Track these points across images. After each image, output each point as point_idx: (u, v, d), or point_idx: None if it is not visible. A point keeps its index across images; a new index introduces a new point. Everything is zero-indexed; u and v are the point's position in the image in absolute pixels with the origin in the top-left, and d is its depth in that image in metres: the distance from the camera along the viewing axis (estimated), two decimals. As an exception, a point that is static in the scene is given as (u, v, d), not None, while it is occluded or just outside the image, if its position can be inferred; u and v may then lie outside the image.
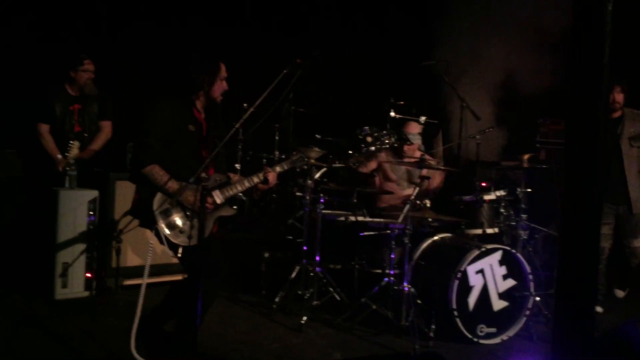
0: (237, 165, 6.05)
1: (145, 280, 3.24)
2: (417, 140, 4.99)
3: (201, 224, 2.79)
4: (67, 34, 5.88)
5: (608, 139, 4.70)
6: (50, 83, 5.15)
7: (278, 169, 3.54)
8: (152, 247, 3.28)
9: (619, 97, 4.81)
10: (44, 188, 4.66)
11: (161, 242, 3.24)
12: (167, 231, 3.19)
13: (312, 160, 4.71)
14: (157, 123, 3.27)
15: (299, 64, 3.16)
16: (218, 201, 3.34)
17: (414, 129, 5.06)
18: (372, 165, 5.03)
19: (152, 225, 3.21)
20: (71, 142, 4.76)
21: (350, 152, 5.73)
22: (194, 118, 3.38)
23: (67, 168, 4.66)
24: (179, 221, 3.22)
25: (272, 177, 3.46)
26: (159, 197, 3.19)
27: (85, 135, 5.07)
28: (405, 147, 4.97)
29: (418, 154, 4.95)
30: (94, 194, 4.65)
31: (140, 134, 3.32)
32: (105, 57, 6.03)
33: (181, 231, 3.19)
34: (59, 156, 4.82)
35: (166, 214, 3.21)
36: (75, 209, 4.55)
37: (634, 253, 4.91)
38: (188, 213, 3.22)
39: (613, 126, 4.81)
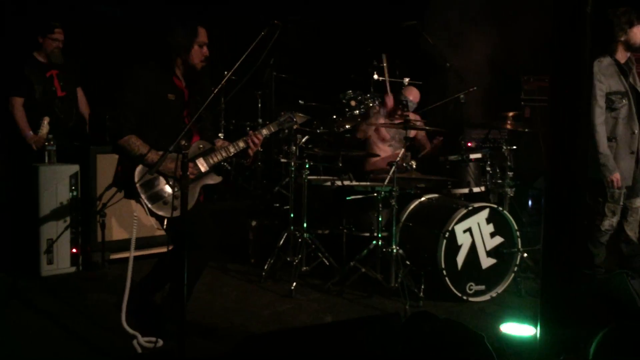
0: (221, 135, 5.98)
1: (132, 253, 3.21)
2: (412, 108, 4.92)
3: (183, 193, 2.74)
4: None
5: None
6: (17, 52, 4.98)
7: (265, 131, 3.44)
8: (137, 220, 3.24)
9: None
10: (23, 164, 4.57)
11: (147, 214, 3.20)
12: (149, 204, 3.13)
13: (296, 126, 4.66)
14: (132, 92, 3.16)
15: (277, 25, 3.07)
16: (202, 169, 3.27)
17: (413, 96, 4.97)
18: (370, 129, 4.94)
19: (136, 197, 3.16)
20: (42, 120, 4.64)
21: (334, 117, 5.69)
22: (174, 86, 3.28)
23: (47, 143, 4.56)
24: (162, 192, 3.16)
25: (257, 140, 3.36)
26: (139, 169, 3.12)
27: (70, 98, 4.96)
28: (399, 112, 4.88)
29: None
30: (74, 168, 4.57)
31: (114, 103, 3.23)
32: (78, 22, 5.88)
33: (165, 202, 3.13)
34: (30, 133, 4.69)
35: (148, 186, 3.15)
36: (57, 185, 4.48)
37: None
38: (171, 183, 3.16)
39: (625, 71, 4.12)
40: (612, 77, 4.05)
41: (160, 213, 3.13)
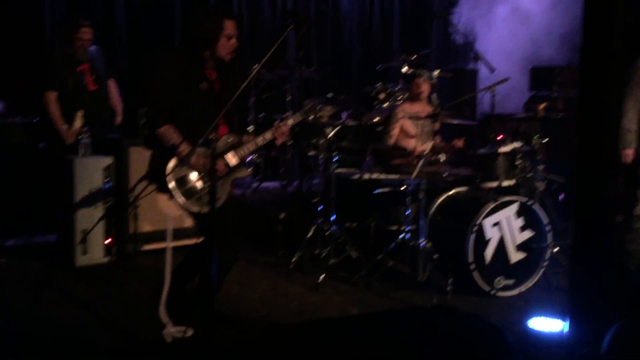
0: (250, 128, 6.03)
1: (169, 247, 3.26)
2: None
3: (212, 187, 2.77)
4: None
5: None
6: (51, 46, 5.08)
7: (290, 121, 3.43)
8: (170, 218, 3.28)
9: None
10: (59, 157, 4.68)
11: (180, 209, 3.23)
12: (184, 200, 3.16)
13: (325, 119, 4.66)
14: (168, 80, 3.16)
15: (304, 19, 3.08)
16: (231, 164, 3.28)
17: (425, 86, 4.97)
18: (396, 131, 4.92)
19: (170, 192, 3.19)
20: (75, 114, 4.72)
21: (363, 109, 5.68)
22: (205, 76, 3.27)
23: (80, 136, 4.67)
24: (195, 188, 3.18)
25: (284, 130, 3.36)
26: (172, 167, 3.14)
27: (101, 92, 5.03)
28: (414, 87, 4.86)
29: (426, 91, 4.89)
30: (108, 160, 4.66)
31: (149, 91, 3.22)
32: (112, 15, 5.99)
33: (199, 198, 3.15)
34: (65, 127, 4.77)
35: (182, 182, 3.17)
36: (91, 176, 4.57)
37: None
38: (204, 178, 3.17)
39: None
40: None
41: (194, 209, 3.16)
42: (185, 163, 3.10)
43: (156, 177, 3.26)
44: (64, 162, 4.60)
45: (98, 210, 4.60)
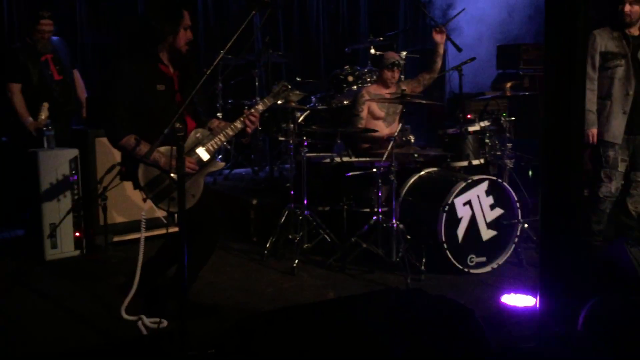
0: (219, 114, 5.96)
1: (142, 242, 3.22)
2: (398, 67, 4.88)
3: (180, 178, 2.72)
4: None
5: (629, 58, 4.11)
6: (11, 38, 4.95)
7: (260, 106, 3.37)
8: (145, 217, 3.23)
9: (633, 8, 4.05)
10: (23, 150, 4.57)
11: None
12: (156, 203, 3.13)
13: (293, 104, 4.64)
14: (122, 90, 3.11)
15: (267, 4, 3.03)
16: (205, 159, 3.21)
17: (395, 55, 4.92)
18: (365, 113, 4.89)
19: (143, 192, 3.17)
20: (41, 105, 4.61)
21: (331, 93, 5.66)
22: (162, 75, 3.22)
23: (45, 128, 4.56)
24: (168, 189, 3.11)
25: (254, 117, 3.30)
26: (142, 170, 3.10)
27: (67, 82, 4.93)
28: (389, 74, 4.84)
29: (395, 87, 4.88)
30: (74, 152, 4.57)
31: (106, 104, 3.17)
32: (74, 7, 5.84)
33: (172, 198, 3.09)
34: (30, 119, 4.67)
35: (154, 185, 3.11)
36: (57, 169, 4.48)
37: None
38: (173, 177, 3.07)
39: (635, 44, 4.15)
40: (612, 40, 4.12)
41: (170, 210, 3.10)
42: (149, 157, 3.03)
43: (129, 177, 3.22)
44: (29, 156, 4.50)
45: (66, 203, 4.52)
